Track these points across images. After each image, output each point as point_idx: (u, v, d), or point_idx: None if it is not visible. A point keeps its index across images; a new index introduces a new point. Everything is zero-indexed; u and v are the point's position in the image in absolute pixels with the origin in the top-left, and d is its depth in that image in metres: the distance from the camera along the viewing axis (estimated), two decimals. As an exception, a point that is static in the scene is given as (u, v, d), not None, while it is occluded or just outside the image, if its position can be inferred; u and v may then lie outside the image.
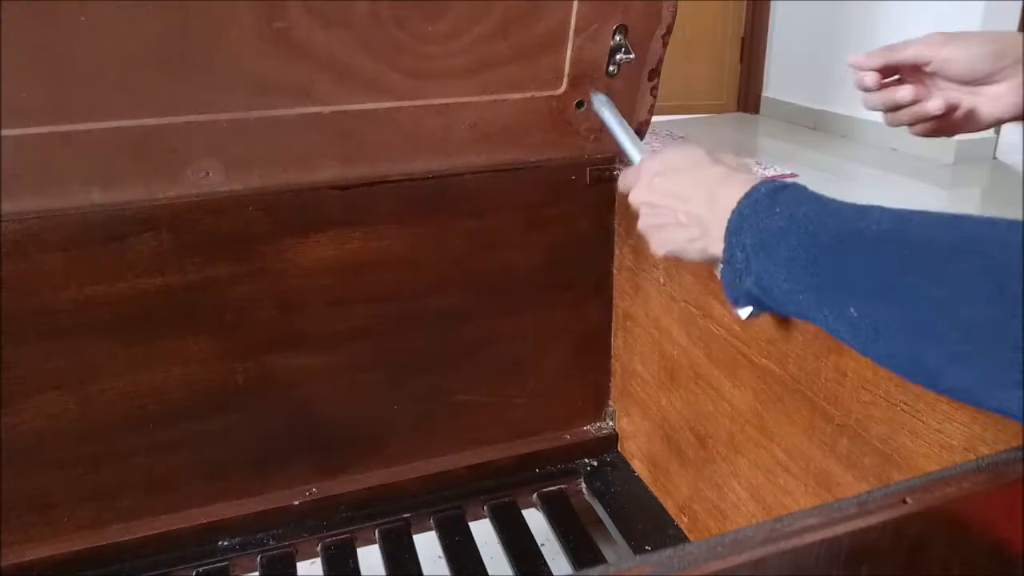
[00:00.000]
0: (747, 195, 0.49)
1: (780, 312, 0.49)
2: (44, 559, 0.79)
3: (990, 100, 0.59)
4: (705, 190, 0.53)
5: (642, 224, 0.60)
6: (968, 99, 0.61)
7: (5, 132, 0.65)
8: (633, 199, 0.61)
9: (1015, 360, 0.33)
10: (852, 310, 0.41)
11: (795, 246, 0.44)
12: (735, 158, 0.57)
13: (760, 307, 0.50)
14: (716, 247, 0.52)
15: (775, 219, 0.46)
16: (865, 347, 0.42)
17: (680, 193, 0.56)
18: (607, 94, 0.79)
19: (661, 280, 0.82)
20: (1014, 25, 2.73)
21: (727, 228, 0.50)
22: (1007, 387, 0.34)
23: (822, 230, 0.44)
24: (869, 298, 0.40)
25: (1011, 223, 0.36)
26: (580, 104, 0.83)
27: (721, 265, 0.52)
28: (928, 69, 0.60)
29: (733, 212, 0.49)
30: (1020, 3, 2.69)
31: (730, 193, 0.50)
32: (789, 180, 0.49)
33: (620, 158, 0.88)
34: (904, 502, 0.35)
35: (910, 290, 0.38)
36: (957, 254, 0.36)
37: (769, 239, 0.46)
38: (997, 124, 0.61)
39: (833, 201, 0.46)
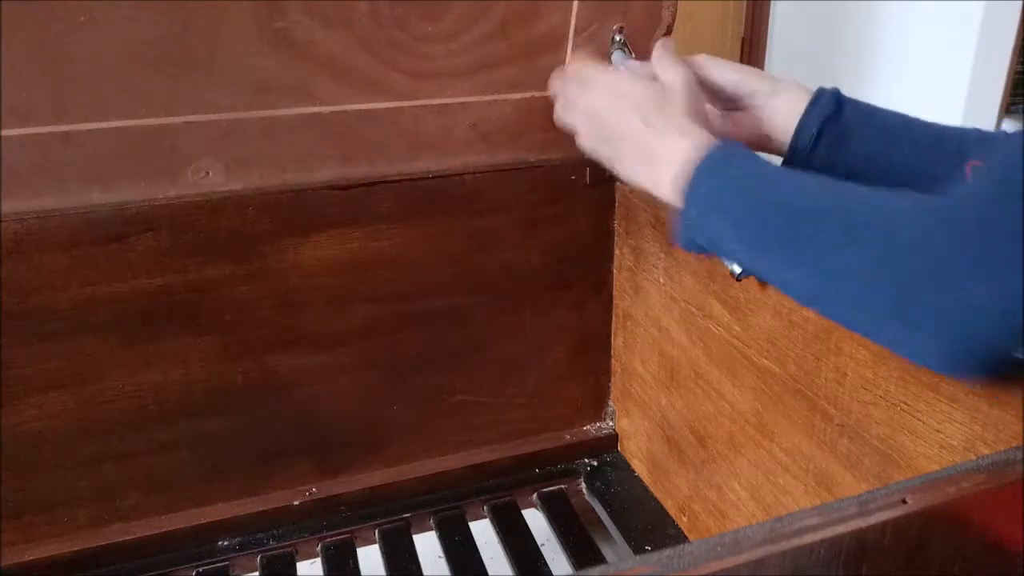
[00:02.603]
0: (707, 157, 0.54)
1: (722, 259, 0.58)
2: (44, 559, 0.79)
3: (734, 124, 0.65)
4: (664, 137, 0.57)
5: (585, 138, 0.65)
6: (720, 121, 0.67)
7: (5, 132, 0.65)
8: (586, 111, 0.64)
9: (911, 317, 0.41)
10: (785, 270, 0.49)
11: (742, 211, 0.51)
12: (697, 102, 0.61)
13: (706, 253, 0.57)
14: (664, 192, 0.57)
15: (727, 183, 0.53)
16: (800, 298, 0.54)
17: (640, 130, 0.59)
18: (628, 52, 0.78)
19: (661, 280, 0.82)
20: (1014, 25, 2.73)
21: (684, 186, 0.54)
22: (905, 338, 0.43)
23: (765, 198, 0.50)
24: (798, 262, 0.48)
25: (913, 199, 0.44)
26: (580, 104, 0.82)
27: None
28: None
29: (694, 171, 0.54)
30: (1020, 3, 2.69)
31: (686, 147, 0.55)
32: (735, 144, 0.55)
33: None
34: (904, 502, 0.35)
35: (830, 257, 0.45)
36: (867, 226, 0.44)
37: (721, 201, 0.52)
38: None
39: (776, 170, 0.52)
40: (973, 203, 0.40)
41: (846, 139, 0.61)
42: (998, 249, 0.38)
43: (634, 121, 0.60)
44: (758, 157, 0.54)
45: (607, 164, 0.64)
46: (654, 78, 0.64)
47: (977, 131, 0.61)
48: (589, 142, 0.65)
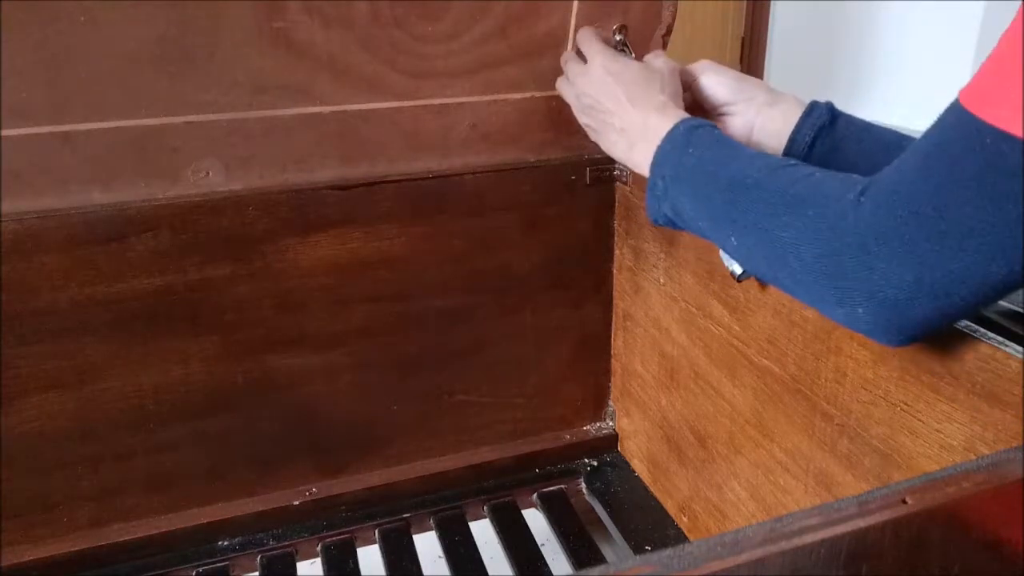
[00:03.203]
0: (670, 132, 0.59)
1: (687, 230, 0.60)
2: (44, 559, 0.79)
3: (729, 129, 0.68)
4: (643, 113, 0.63)
5: (578, 110, 0.71)
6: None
7: (5, 132, 0.65)
8: (580, 86, 0.69)
9: (839, 287, 0.44)
10: (732, 239, 0.53)
11: (699, 183, 0.56)
12: (676, 87, 0.66)
13: (672, 225, 0.61)
14: (638, 165, 0.63)
15: (688, 157, 0.57)
16: (744, 266, 0.58)
17: (623, 104, 0.64)
18: (629, 51, 0.78)
19: (661, 280, 0.82)
20: (1014, 25, 2.72)
21: (653, 159, 0.60)
22: (834, 306, 0.46)
23: (719, 172, 0.54)
24: (742, 232, 0.52)
25: (843, 179, 0.47)
26: (580, 104, 0.83)
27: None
28: (692, 88, 0.69)
29: (659, 146, 0.59)
30: (1020, 3, 2.69)
31: (661, 124, 0.60)
32: (702, 121, 0.59)
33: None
34: (904, 502, 0.35)
35: (769, 231, 0.49)
36: (800, 204, 0.47)
37: (682, 173, 0.57)
38: None
39: (733, 147, 0.56)
40: (896, 180, 0.43)
41: (839, 151, 0.62)
42: (919, 225, 0.40)
43: (619, 96, 0.65)
44: (720, 134, 0.58)
45: (592, 136, 0.70)
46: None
47: None
48: (580, 115, 0.71)
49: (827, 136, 0.62)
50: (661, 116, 0.61)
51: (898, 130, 0.62)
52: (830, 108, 0.63)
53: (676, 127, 0.59)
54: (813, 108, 0.63)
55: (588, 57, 0.69)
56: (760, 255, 0.51)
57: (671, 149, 0.58)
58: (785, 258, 0.48)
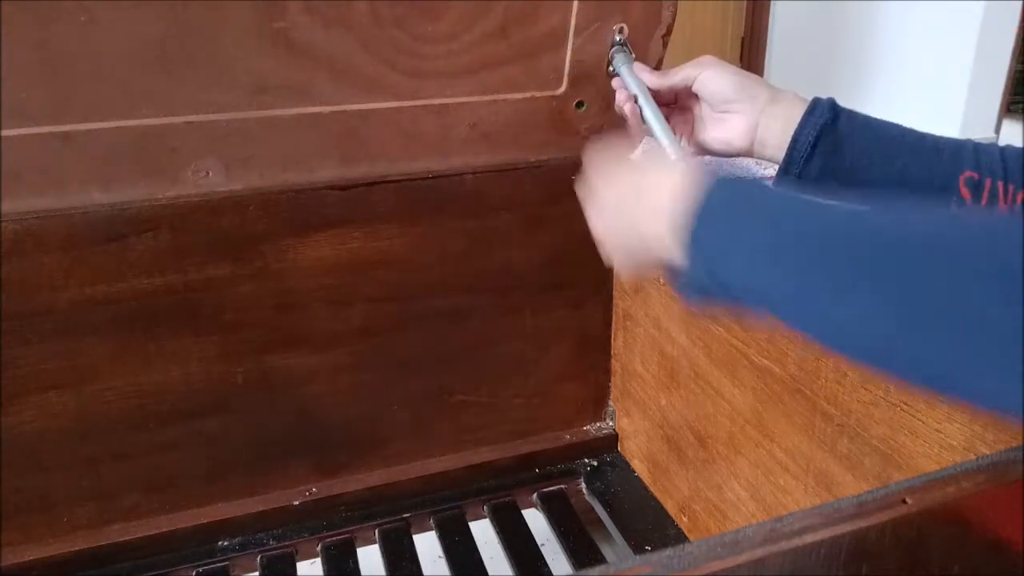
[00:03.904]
0: (685, 184, 0.47)
1: (731, 305, 0.46)
2: (44, 559, 0.79)
3: (727, 127, 0.65)
4: (657, 181, 0.51)
5: (605, 255, 0.59)
6: (714, 122, 0.67)
7: (5, 132, 0.65)
8: (593, 224, 0.59)
9: (993, 362, 0.32)
10: (829, 306, 0.38)
11: (756, 235, 0.42)
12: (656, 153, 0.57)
13: (710, 299, 0.47)
14: (661, 243, 0.49)
15: (728, 206, 0.44)
16: (841, 344, 0.40)
17: (617, 219, 0.55)
18: (629, 51, 0.78)
19: (661, 280, 0.82)
20: (1014, 25, 2.73)
21: (694, 216, 0.46)
22: (980, 387, 0.34)
23: (785, 219, 0.41)
24: (851, 292, 0.37)
25: (1007, 220, 0.34)
26: (580, 104, 0.83)
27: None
28: (693, 88, 0.66)
29: (677, 204, 0.47)
30: (1020, 3, 2.69)
31: (662, 186, 0.49)
32: (731, 175, 0.47)
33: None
34: (904, 502, 0.35)
35: (937, 294, 0.34)
36: (958, 249, 0.34)
37: (723, 227, 0.44)
38: (727, 150, 0.67)
39: (784, 190, 0.45)
40: None
41: (842, 148, 0.61)
42: None
43: (624, 194, 0.54)
44: (759, 182, 0.47)
45: (625, 261, 0.57)
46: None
47: (972, 142, 0.62)
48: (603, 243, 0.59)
49: (830, 134, 0.61)
50: (676, 175, 0.49)
51: (898, 124, 0.62)
52: (832, 106, 0.62)
53: (690, 178, 0.47)
54: (816, 106, 0.62)
55: (588, 181, 0.60)
56: (890, 321, 0.36)
57: (696, 203, 0.45)
58: (962, 330, 0.34)
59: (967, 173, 0.58)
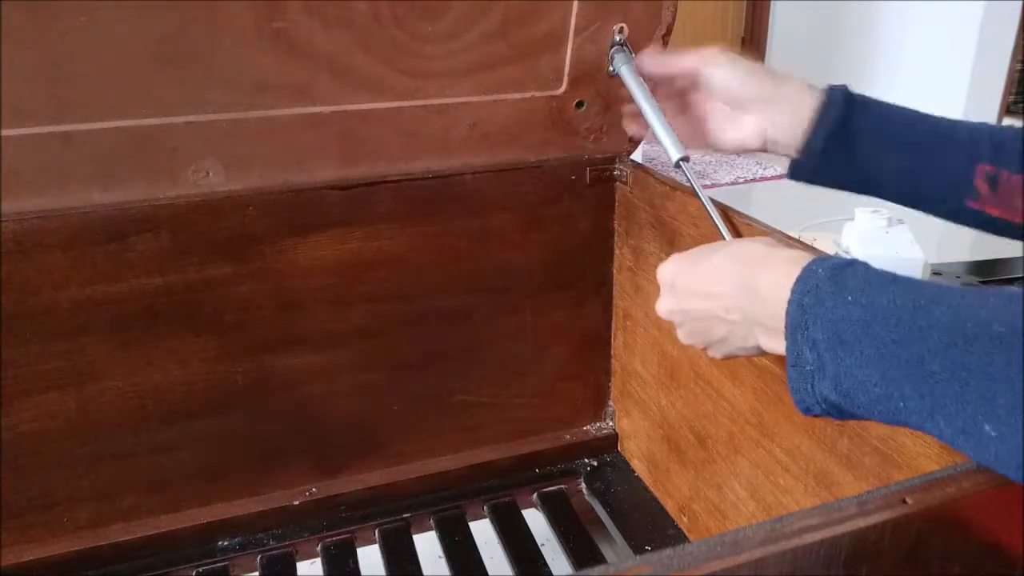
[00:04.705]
0: (801, 279, 0.42)
1: (866, 418, 0.40)
2: (44, 559, 0.79)
3: (740, 127, 0.63)
4: (737, 278, 0.47)
5: (681, 336, 0.55)
6: (723, 118, 0.65)
7: (5, 132, 0.65)
8: (660, 311, 0.56)
9: None
10: (987, 427, 0.33)
11: (887, 342, 0.37)
12: (766, 238, 0.52)
13: (839, 414, 0.42)
14: (773, 342, 0.45)
15: (849, 308, 0.38)
16: (1008, 468, 0.34)
17: (708, 290, 0.50)
18: (629, 51, 0.78)
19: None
20: (1014, 25, 2.73)
21: (787, 322, 0.42)
22: None
23: (925, 323, 0.35)
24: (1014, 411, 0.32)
25: None
26: (580, 104, 0.83)
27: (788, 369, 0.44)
28: (700, 80, 0.64)
29: (790, 302, 0.42)
30: (1020, 3, 2.69)
31: (773, 276, 0.44)
32: (848, 257, 0.42)
33: (626, 150, 0.88)
34: (904, 502, 0.35)
35: None
36: None
37: (847, 333, 0.38)
38: (741, 150, 0.65)
39: (917, 282, 0.38)
40: None
41: (856, 142, 0.59)
42: None
43: (701, 283, 0.51)
44: (875, 268, 0.41)
45: (717, 353, 0.54)
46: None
47: (988, 127, 0.59)
48: (691, 340, 0.56)
49: (843, 128, 0.59)
50: (767, 267, 0.45)
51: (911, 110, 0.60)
52: (845, 97, 0.59)
53: (809, 272, 0.42)
54: (830, 99, 0.59)
55: (663, 287, 0.57)
56: None
57: (814, 303, 0.41)
58: None
59: (983, 167, 0.57)
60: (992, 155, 0.57)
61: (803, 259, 0.43)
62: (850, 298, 0.39)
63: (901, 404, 0.37)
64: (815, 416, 0.44)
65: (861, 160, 0.60)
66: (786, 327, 0.42)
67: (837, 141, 0.60)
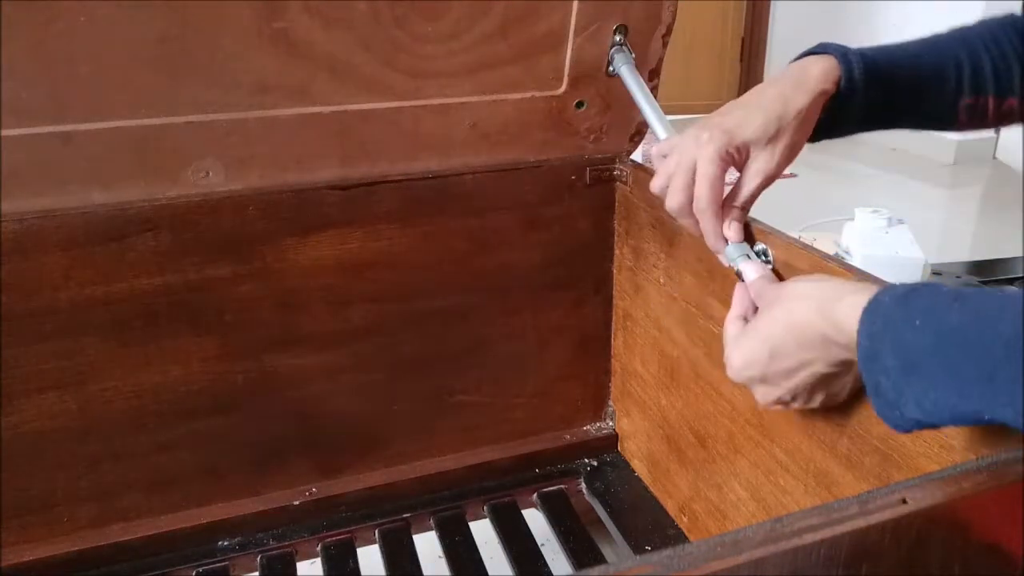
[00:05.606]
0: (868, 310, 0.42)
1: (963, 424, 0.42)
2: (44, 559, 0.79)
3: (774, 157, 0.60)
4: (815, 332, 0.47)
5: (798, 405, 0.55)
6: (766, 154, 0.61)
7: (5, 132, 0.65)
8: (766, 403, 0.55)
9: None
10: None
11: (957, 363, 0.37)
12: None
13: (932, 426, 0.42)
14: (858, 379, 0.47)
15: (916, 333, 0.39)
16: None
17: (800, 359, 0.50)
18: (629, 51, 0.78)
19: (661, 280, 0.82)
20: (1014, 25, 2.72)
21: (859, 354, 0.43)
22: None
23: (991, 339, 0.36)
24: None
25: None
26: (580, 104, 0.83)
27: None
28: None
29: (859, 333, 0.42)
30: (1020, 3, 2.69)
31: (843, 311, 0.45)
32: (905, 284, 0.43)
33: (626, 150, 0.88)
34: (904, 502, 0.35)
35: None
36: None
37: (917, 358, 0.39)
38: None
39: (980, 297, 0.38)
40: None
41: (858, 110, 0.62)
42: None
43: (773, 343, 0.51)
44: (938, 286, 0.41)
45: (803, 404, 0.55)
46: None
47: (966, 54, 0.65)
48: (773, 396, 0.55)
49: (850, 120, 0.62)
50: (834, 305, 0.46)
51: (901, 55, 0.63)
52: (849, 87, 0.60)
53: (876, 302, 0.42)
54: (842, 103, 0.61)
55: (731, 347, 0.56)
56: None
57: (882, 330, 0.42)
58: None
59: (966, 100, 0.62)
60: (974, 87, 0.63)
61: (868, 290, 0.44)
62: (918, 322, 0.39)
63: (986, 417, 0.37)
64: (910, 431, 0.44)
65: (862, 115, 0.63)
66: (859, 359, 0.43)
67: (844, 116, 0.62)
